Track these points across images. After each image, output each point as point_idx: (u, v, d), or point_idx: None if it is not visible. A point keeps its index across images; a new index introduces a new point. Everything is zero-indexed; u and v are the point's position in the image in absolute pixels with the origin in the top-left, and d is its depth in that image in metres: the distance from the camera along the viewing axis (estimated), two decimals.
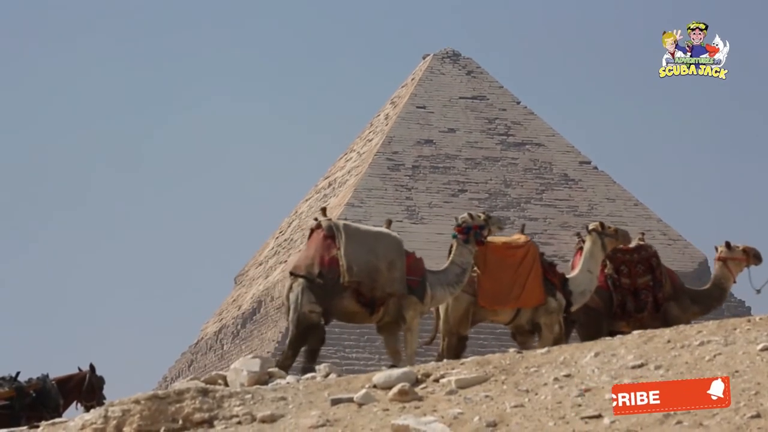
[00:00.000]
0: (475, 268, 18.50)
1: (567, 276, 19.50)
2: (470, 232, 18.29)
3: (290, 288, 17.04)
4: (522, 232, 19.76)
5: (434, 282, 17.75)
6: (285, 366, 16.47)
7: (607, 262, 20.44)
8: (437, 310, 18.79)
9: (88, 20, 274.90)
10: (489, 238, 18.79)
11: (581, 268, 19.72)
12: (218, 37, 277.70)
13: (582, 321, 19.86)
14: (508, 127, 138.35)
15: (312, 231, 17.47)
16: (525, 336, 19.06)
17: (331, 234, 17.14)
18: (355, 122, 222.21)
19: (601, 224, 20.10)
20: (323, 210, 17.91)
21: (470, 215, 18.62)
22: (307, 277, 16.88)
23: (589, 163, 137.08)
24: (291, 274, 17.20)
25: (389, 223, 18.23)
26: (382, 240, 17.39)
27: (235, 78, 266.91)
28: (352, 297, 17.13)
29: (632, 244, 20.68)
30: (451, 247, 18.51)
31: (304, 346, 16.96)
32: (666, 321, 19.31)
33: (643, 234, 21.46)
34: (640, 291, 20.51)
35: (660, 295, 20.56)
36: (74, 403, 20.57)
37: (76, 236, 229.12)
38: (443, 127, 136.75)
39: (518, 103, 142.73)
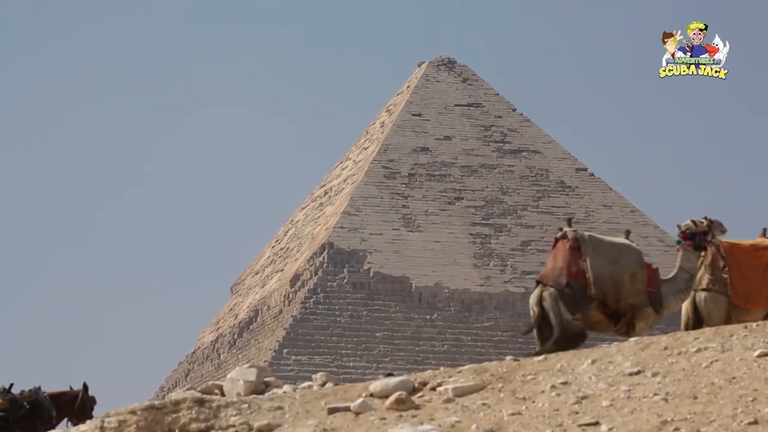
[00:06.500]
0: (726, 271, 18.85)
1: None
2: (695, 238, 18.52)
3: (540, 296, 17.32)
4: (764, 235, 19.95)
5: (667, 291, 18.08)
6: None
7: None
8: (693, 309, 19.01)
9: (88, 25, 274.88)
10: (735, 241, 19.23)
11: None
12: (213, 46, 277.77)
13: None
14: (504, 134, 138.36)
15: (557, 240, 17.84)
16: None
17: (577, 245, 17.47)
18: (351, 130, 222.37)
19: None
20: (569, 221, 18.20)
21: (693, 221, 18.87)
22: (555, 286, 17.16)
23: (585, 170, 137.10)
24: (538, 282, 17.46)
25: (627, 234, 18.55)
26: (624, 252, 17.68)
27: (229, 87, 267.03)
28: (598, 308, 17.42)
29: None
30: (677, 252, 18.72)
31: (571, 349, 17.13)
32: None
33: None
34: None
35: None
36: (65, 420, 20.51)
37: (73, 245, 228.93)
38: (439, 134, 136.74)
39: (514, 110, 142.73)
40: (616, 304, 17.31)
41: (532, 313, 17.29)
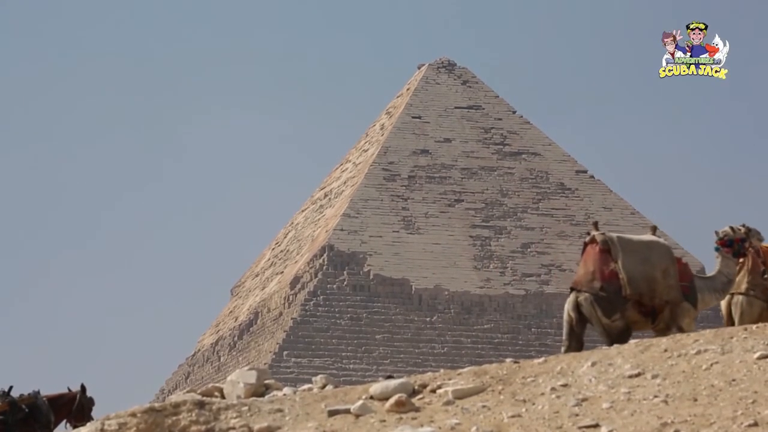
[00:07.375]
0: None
1: None
2: (734, 245, 18.58)
3: (576, 302, 17.38)
4: None
5: (702, 286, 18.16)
6: None
7: None
8: (728, 314, 19.11)
9: (88, 25, 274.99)
10: None
11: None
12: (213, 46, 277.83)
13: None
14: (504, 136, 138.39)
15: (585, 245, 17.85)
16: None
17: (606, 247, 17.51)
18: (351, 132, 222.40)
19: None
20: (595, 224, 18.23)
21: (732, 228, 18.92)
22: (589, 291, 17.23)
23: (585, 172, 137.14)
24: (572, 289, 17.52)
25: (654, 230, 18.54)
26: (654, 249, 17.72)
27: (229, 87, 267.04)
28: (634, 308, 17.48)
29: None
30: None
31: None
32: None
33: None
34: None
35: None
36: (63, 422, 20.51)
37: (73, 247, 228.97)
38: (439, 136, 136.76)
39: (514, 112, 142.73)
40: (651, 302, 17.38)
41: (567, 317, 17.36)
